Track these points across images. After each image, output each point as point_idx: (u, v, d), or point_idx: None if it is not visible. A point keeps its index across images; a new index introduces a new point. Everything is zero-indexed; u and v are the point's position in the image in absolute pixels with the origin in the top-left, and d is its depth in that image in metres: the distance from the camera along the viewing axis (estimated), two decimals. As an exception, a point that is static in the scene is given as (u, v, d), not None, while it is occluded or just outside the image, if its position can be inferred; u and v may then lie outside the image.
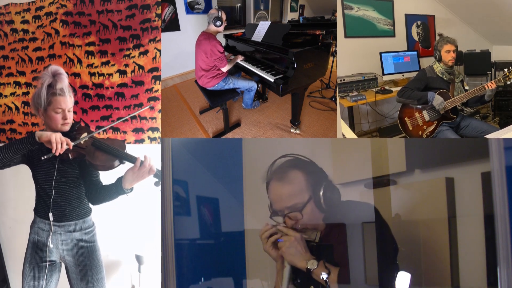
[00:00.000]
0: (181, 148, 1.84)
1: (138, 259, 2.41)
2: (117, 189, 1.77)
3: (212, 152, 1.86)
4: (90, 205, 1.94)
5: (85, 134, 1.80)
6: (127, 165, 1.78)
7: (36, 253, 1.84)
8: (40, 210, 1.85)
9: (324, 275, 1.32)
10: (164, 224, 1.78)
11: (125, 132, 2.61)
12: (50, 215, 1.80)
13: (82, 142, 1.76)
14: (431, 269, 1.43)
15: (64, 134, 1.81)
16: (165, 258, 1.77)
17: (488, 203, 1.40)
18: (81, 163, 1.85)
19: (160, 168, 1.79)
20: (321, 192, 1.41)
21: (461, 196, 1.46)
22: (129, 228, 2.55)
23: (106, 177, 1.88)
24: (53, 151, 1.63)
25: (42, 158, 1.65)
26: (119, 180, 1.77)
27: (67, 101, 1.78)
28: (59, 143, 1.62)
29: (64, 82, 1.79)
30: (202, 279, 1.77)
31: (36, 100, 1.79)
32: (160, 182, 1.79)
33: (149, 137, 2.58)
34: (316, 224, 1.42)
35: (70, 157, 1.74)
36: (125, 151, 1.81)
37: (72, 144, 1.67)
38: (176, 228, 1.78)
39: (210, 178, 1.80)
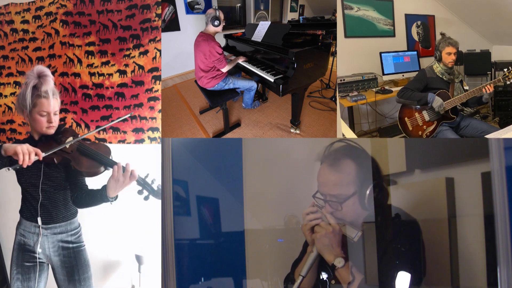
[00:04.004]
0: (181, 148, 1.84)
1: (138, 259, 2.41)
2: (102, 197, 1.74)
3: (212, 152, 1.87)
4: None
5: (70, 139, 1.77)
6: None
7: (22, 254, 1.82)
8: (26, 212, 1.83)
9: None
10: (164, 224, 1.79)
11: (125, 132, 2.62)
12: (39, 219, 1.78)
13: (67, 146, 1.72)
14: (431, 269, 1.43)
15: (49, 137, 1.79)
16: (165, 258, 1.77)
17: (488, 203, 1.40)
18: (66, 166, 1.82)
19: (142, 176, 1.76)
20: (368, 191, 1.38)
21: (461, 196, 1.46)
22: (129, 228, 2.55)
23: (92, 181, 1.86)
24: (20, 163, 1.55)
25: (7, 170, 1.58)
26: (104, 188, 1.74)
27: (52, 104, 1.74)
28: (26, 154, 1.54)
29: (50, 84, 1.74)
30: (202, 279, 1.77)
31: (21, 101, 1.74)
32: (144, 191, 1.76)
33: (149, 137, 2.58)
34: (355, 219, 1.40)
35: (55, 161, 1.72)
36: (110, 157, 1.79)
37: (42, 155, 1.60)
38: (176, 228, 1.78)
39: (210, 178, 1.80)
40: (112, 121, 2.22)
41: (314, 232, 1.39)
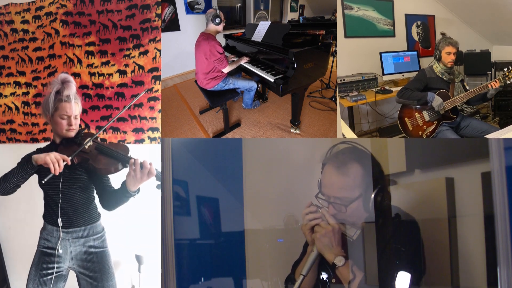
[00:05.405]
0: (181, 148, 1.84)
1: (138, 259, 2.41)
2: (124, 192, 1.78)
3: (212, 152, 1.86)
4: (100, 210, 1.95)
5: (88, 139, 1.82)
6: None
7: (44, 258, 1.84)
8: (48, 217, 1.86)
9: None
10: (164, 224, 1.78)
11: (125, 132, 2.62)
12: (59, 220, 1.80)
13: (86, 147, 1.79)
14: (431, 269, 1.43)
15: (70, 140, 1.85)
16: (165, 258, 1.77)
17: (488, 203, 1.40)
18: (89, 169, 1.85)
19: (160, 170, 1.80)
20: (373, 195, 1.39)
21: (461, 196, 1.45)
22: (129, 228, 2.55)
23: (119, 182, 1.88)
24: (52, 172, 1.65)
25: (43, 182, 1.66)
26: (124, 184, 1.78)
27: (73, 107, 1.82)
28: (56, 162, 1.65)
29: (72, 89, 1.83)
30: (202, 279, 1.77)
31: (45, 106, 1.84)
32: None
33: (149, 137, 2.58)
34: (357, 221, 1.40)
35: (75, 161, 1.76)
36: (128, 155, 1.82)
37: (69, 159, 1.70)
38: (176, 228, 1.78)
39: (210, 178, 1.80)
40: (123, 107, 2.26)
41: (314, 232, 1.39)
